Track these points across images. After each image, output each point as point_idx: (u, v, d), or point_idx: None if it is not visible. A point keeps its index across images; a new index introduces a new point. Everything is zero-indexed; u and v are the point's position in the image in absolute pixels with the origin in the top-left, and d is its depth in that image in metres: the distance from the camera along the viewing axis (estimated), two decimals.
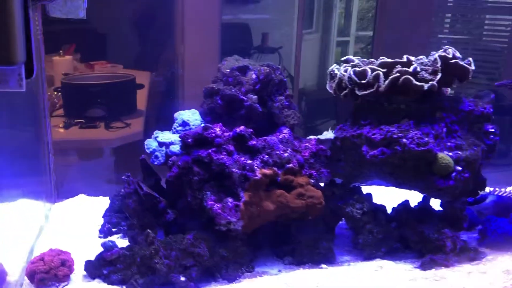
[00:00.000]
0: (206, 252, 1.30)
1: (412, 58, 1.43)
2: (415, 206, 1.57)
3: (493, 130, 1.53)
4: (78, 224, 1.66)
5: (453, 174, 1.39)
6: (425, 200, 1.56)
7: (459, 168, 1.40)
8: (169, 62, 3.03)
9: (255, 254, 1.48)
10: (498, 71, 3.03)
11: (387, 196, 1.67)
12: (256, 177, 1.31)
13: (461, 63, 1.42)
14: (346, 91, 1.43)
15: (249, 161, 1.31)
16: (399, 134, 1.37)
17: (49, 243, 1.48)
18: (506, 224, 1.54)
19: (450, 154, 1.41)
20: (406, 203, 1.58)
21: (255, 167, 1.32)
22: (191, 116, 1.43)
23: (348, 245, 1.56)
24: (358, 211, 1.50)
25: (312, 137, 1.48)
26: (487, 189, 1.69)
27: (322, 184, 1.51)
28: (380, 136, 1.38)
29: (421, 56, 1.44)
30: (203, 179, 1.30)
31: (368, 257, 1.49)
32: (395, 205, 1.58)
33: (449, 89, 1.56)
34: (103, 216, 1.58)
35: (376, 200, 1.56)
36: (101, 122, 2.81)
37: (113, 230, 1.53)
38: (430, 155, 1.38)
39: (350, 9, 4.59)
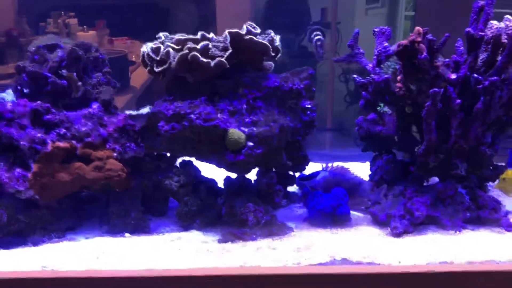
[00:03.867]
0: (3, 218, 1.42)
1: (211, 35, 1.45)
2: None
3: (309, 106, 1.53)
4: None
5: (244, 149, 1.41)
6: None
7: (251, 143, 1.41)
8: None
9: (80, 222, 1.58)
10: None
11: None
12: (46, 150, 1.39)
13: (256, 39, 1.41)
14: (149, 67, 1.47)
15: (39, 135, 1.40)
16: (187, 110, 1.40)
17: None
18: (325, 200, 1.54)
19: (246, 130, 1.42)
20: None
21: (48, 141, 1.41)
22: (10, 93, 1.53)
23: None
24: (176, 183, 1.56)
25: (127, 112, 1.54)
26: (321, 165, 1.69)
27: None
28: (171, 112, 1.42)
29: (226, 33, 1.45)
30: None
31: (185, 228, 1.55)
32: None
33: (272, 64, 1.57)
34: None
35: None
36: None
37: None
38: (218, 130, 1.40)
39: None
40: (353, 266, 1.30)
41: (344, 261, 1.33)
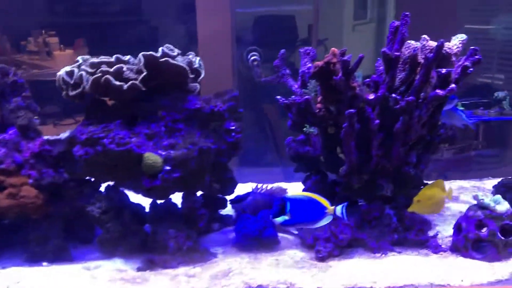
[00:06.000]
0: None
1: (127, 57, 1.42)
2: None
3: (233, 127, 1.50)
4: None
5: (161, 173, 1.38)
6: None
7: (168, 167, 1.38)
8: None
9: (1, 250, 1.53)
10: None
11: None
12: None
13: (172, 61, 1.39)
14: (64, 91, 1.44)
15: None
16: (100, 135, 1.37)
17: None
18: (251, 224, 1.50)
19: (163, 153, 1.39)
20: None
21: None
22: None
23: None
24: (98, 209, 1.52)
25: (45, 137, 1.50)
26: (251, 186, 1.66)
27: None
28: (85, 136, 1.38)
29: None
30: None
31: (108, 256, 1.50)
32: None
33: (197, 85, 1.54)
34: None
35: None
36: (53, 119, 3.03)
37: None
38: (132, 154, 1.37)
39: None
40: None
41: None
